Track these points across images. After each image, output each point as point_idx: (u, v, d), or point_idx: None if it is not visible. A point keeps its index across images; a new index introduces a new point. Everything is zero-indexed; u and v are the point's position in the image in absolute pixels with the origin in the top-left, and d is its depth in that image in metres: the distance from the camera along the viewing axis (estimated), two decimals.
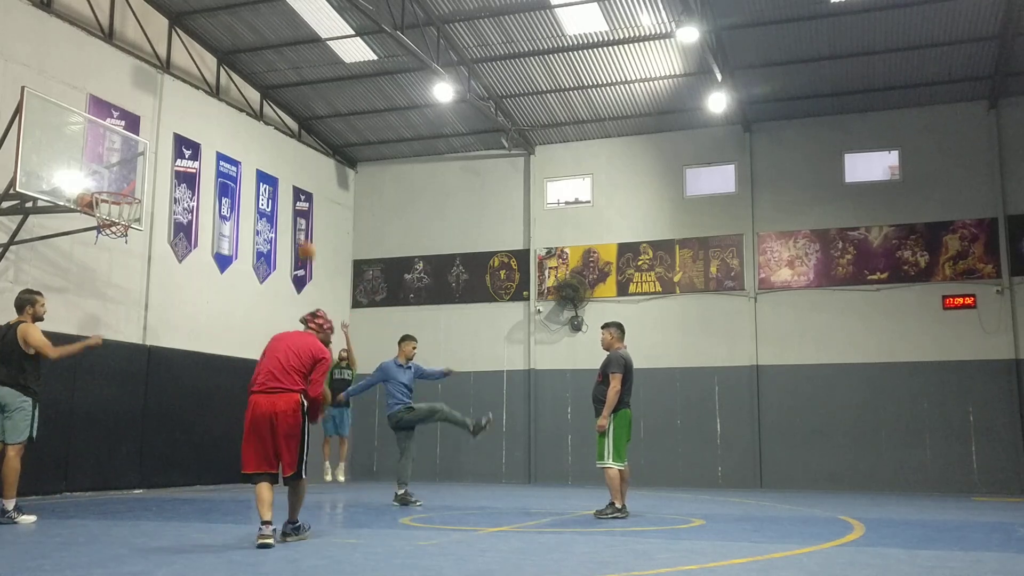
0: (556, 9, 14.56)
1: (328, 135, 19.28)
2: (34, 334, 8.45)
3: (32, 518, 8.36)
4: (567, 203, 18.96)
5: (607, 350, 9.72)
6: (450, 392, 18.74)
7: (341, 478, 14.68)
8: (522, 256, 18.91)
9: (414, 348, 11.62)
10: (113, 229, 11.85)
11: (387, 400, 11.42)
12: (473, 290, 19.15)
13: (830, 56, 15.48)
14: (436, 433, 18.73)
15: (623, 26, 14.95)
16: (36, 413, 8.48)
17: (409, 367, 11.53)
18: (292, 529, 6.93)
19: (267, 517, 6.51)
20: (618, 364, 9.44)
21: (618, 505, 9.29)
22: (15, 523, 8.10)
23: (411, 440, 11.32)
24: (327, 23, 15.30)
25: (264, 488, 6.62)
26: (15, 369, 8.40)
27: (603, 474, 9.42)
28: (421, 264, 19.62)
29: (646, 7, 14.43)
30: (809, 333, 16.84)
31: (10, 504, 8.19)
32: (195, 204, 15.36)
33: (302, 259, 16.85)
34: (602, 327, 9.95)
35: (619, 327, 9.86)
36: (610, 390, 9.31)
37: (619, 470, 9.33)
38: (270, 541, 6.44)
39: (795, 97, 16.86)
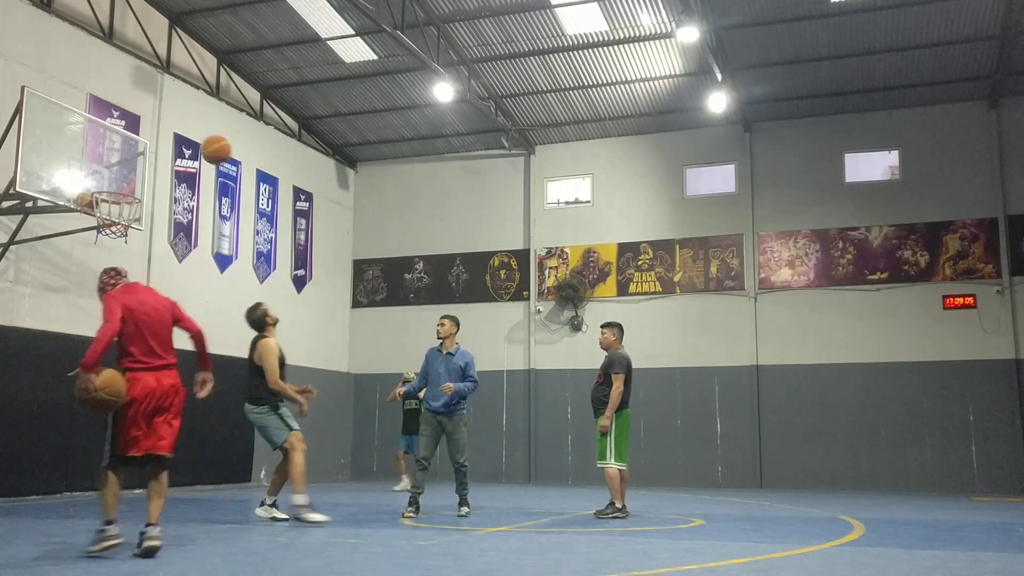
0: (556, 9, 14.56)
1: (328, 135, 19.28)
2: (266, 353, 8.72)
3: (325, 518, 8.28)
4: (567, 203, 18.96)
5: (606, 350, 9.72)
6: None
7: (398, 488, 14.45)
8: (522, 256, 18.91)
9: (440, 326, 9.59)
10: (113, 229, 11.85)
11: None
12: (473, 290, 19.14)
13: (830, 56, 15.48)
14: None
15: (623, 26, 14.95)
16: (279, 415, 8.67)
17: (451, 354, 9.44)
18: (157, 533, 5.91)
19: (116, 515, 5.92)
20: (621, 364, 9.43)
21: (618, 505, 9.29)
22: (305, 520, 8.17)
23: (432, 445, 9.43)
24: (327, 23, 15.29)
25: (118, 480, 6.00)
26: (250, 382, 8.74)
27: (602, 474, 9.42)
28: (421, 264, 19.61)
29: (646, 7, 14.42)
30: (809, 333, 16.84)
31: (300, 499, 8.30)
32: (195, 204, 15.36)
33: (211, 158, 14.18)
34: (602, 326, 9.93)
35: (620, 327, 9.86)
36: (613, 391, 9.29)
37: (620, 470, 9.33)
38: (120, 540, 5.80)
39: (795, 97, 16.85)
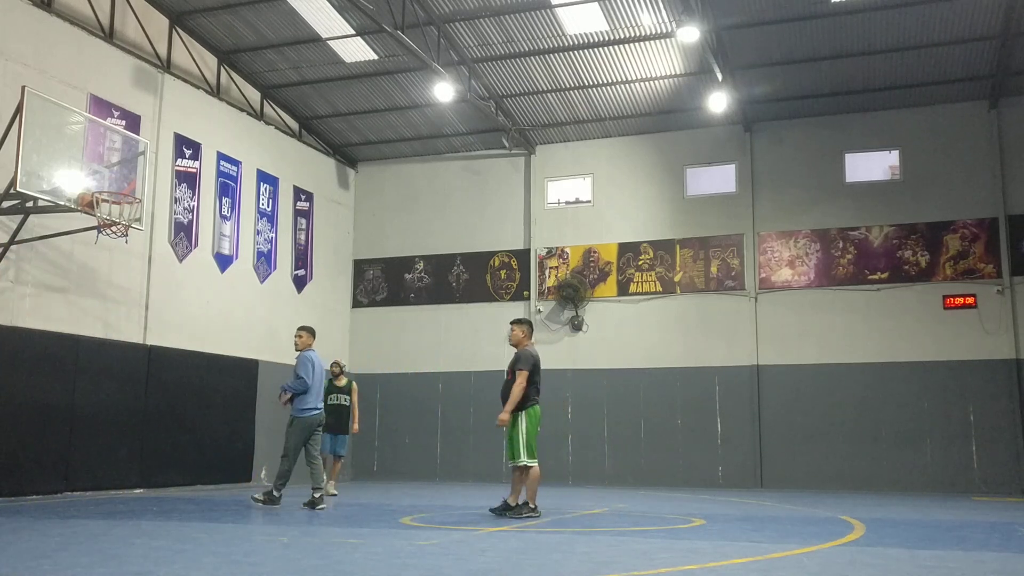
0: (556, 9, 14.56)
1: (328, 135, 19.28)
2: None
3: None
4: (567, 203, 18.96)
5: (515, 347, 9.61)
6: (450, 392, 18.79)
7: (333, 491, 13.76)
8: (522, 256, 18.91)
9: (297, 336, 10.43)
10: (113, 229, 11.85)
11: (307, 399, 10.15)
12: (473, 290, 19.14)
13: (830, 56, 15.48)
14: (436, 432, 18.75)
15: (623, 26, 14.95)
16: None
17: None
18: None
19: None
20: (526, 361, 9.37)
21: (516, 503, 9.35)
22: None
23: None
24: (327, 23, 15.30)
25: None
26: None
27: (513, 471, 9.44)
28: (421, 264, 19.62)
29: (646, 7, 14.42)
30: (809, 333, 16.84)
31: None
32: (195, 204, 15.37)
33: None
34: (513, 323, 9.78)
35: (530, 324, 9.82)
36: (516, 386, 9.25)
37: (531, 468, 9.40)
38: None
39: (795, 97, 16.85)
